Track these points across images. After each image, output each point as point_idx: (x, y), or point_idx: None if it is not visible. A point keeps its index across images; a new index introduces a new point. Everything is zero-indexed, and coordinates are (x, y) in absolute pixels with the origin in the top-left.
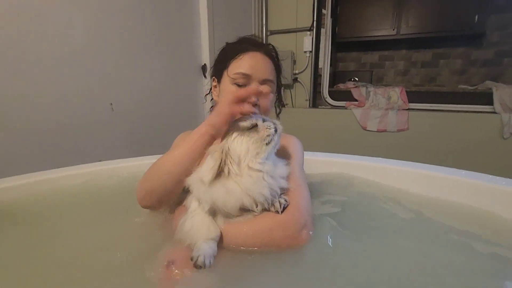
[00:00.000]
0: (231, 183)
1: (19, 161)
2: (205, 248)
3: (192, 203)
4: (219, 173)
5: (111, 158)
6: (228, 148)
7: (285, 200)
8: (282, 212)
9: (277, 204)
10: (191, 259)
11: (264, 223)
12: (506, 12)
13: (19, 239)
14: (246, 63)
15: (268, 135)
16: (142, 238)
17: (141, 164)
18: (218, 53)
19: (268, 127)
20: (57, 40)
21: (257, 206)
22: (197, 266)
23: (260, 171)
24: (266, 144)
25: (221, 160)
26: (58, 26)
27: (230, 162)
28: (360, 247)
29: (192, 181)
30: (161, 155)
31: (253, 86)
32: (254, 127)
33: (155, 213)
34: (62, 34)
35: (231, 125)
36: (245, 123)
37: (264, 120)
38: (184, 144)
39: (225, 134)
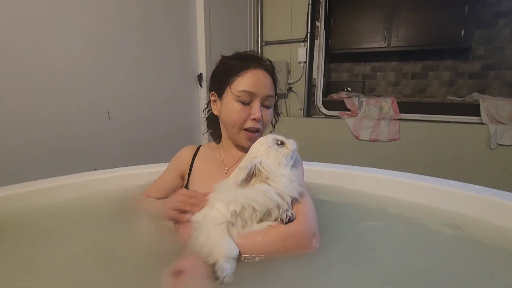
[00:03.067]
0: (266, 186)
1: (14, 170)
2: (229, 268)
3: (212, 210)
4: (252, 178)
5: (107, 167)
6: (260, 161)
7: (292, 214)
8: (286, 223)
9: (283, 215)
10: (216, 279)
11: (276, 233)
12: (491, 27)
13: (8, 253)
14: (250, 81)
15: (293, 150)
16: (145, 247)
17: (138, 173)
18: (216, 68)
19: (292, 144)
20: (55, 49)
21: (279, 209)
22: (222, 285)
23: (291, 175)
24: (291, 157)
25: (253, 169)
26: (56, 35)
27: (264, 169)
28: (363, 253)
29: (223, 186)
30: (158, 164)
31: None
32: (282, 143)
33: (157, 222)
34: (60, 43)
35: (259, 140)
36: (273, 140)
37: (287, 138)
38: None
39: (252, 149)
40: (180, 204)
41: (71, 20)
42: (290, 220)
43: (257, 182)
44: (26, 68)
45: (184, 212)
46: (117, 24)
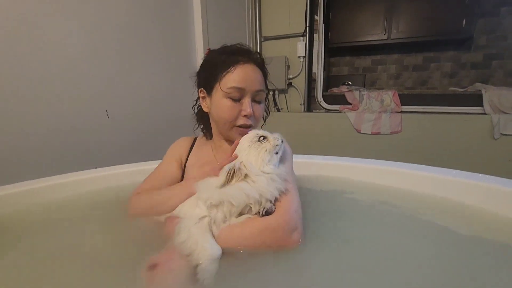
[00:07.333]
0: (244, 184)
1: (13, 169)
2: (213, 270)
3: (197, 208)
4: (232, 178)
5: (107, 165)
6: (241, 161)
7: (270, 207)
8: (262, 215)
9: (261, 208)
10: (197, 281)
11: (254, 225)
12: (493, 16)
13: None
14: (239, 76)
15: (277, 145)
16: (133, 244)
17: (136, 170)
18: (203, 63)
19: (276, 139)
20: (54, 48)
21: (260, 204)
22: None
23: (272, 173)
24: (276, 153)
25: (232, 172)
26: (55, 35)
27: (245, 167)
28: (351, 248)
29: (201, 186)
30: (156, 161)
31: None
32: (264, 138)
33: (145, 220)
34: (59, 42)
35: (243, 138)
36: (255, 137)
37: (271, 133)
38: (174, 192)
39: (234, 147)
40: None
41: (68, 19)
42: (267, 213)
43: (237, 181)
44: (23, 68)
45: None
46: (114, 22)
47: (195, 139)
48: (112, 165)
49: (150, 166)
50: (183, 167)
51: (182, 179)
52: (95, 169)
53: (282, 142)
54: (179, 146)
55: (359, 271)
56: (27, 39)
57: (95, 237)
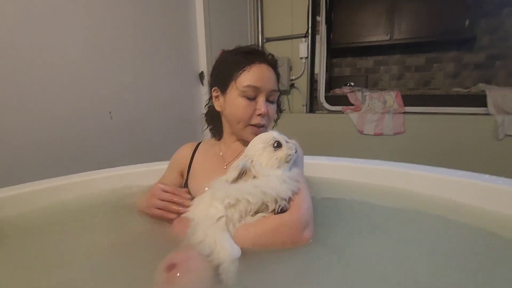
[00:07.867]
0: (259, 181)
1: (17, 170)
2: (234, 270)
3: (211, 208)
4: (242, 176)
5: (110, 166)
6: (252, 160)
7: (285, 205)
8: (277, 213)
9: (276, 205)
10: (221, 282)
11: (268, 224)
12: (495, 17)
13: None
14: (255, 76)
15: (289, 155)
16: (143, 245)
17: (140, 171)
18: (217, 63)
19: (290, 149)
20: (57, 49)
21: (276, 202)
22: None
23: (283, 175)
24: (286, 162)
25: (244, 169)
26: (59, 37)
27: (254, 168)
28: (361, 247)
29: (218, 183)
30: (160, 162)
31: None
32: (279, 146)
33: (155, 220)
34: (62, 45)
35: (259, 136)
36: (272, 141)
37: (287, 141)
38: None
39: (250, 145)
40: (163, 203)
41: (70, 20)
42: (282, 211)
43: (249, 178)
44: (26, 69)
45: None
46: (116, 24)
47: (198, 144)
48: (116, 166)
49: (153, 167)
50: (185, 174)
51: (185, 184)
52: (98, 170)
53: (296, 152)
54: (179, 155)
55: (360, 272)
56: (30, 41)
57: (99, 239)
